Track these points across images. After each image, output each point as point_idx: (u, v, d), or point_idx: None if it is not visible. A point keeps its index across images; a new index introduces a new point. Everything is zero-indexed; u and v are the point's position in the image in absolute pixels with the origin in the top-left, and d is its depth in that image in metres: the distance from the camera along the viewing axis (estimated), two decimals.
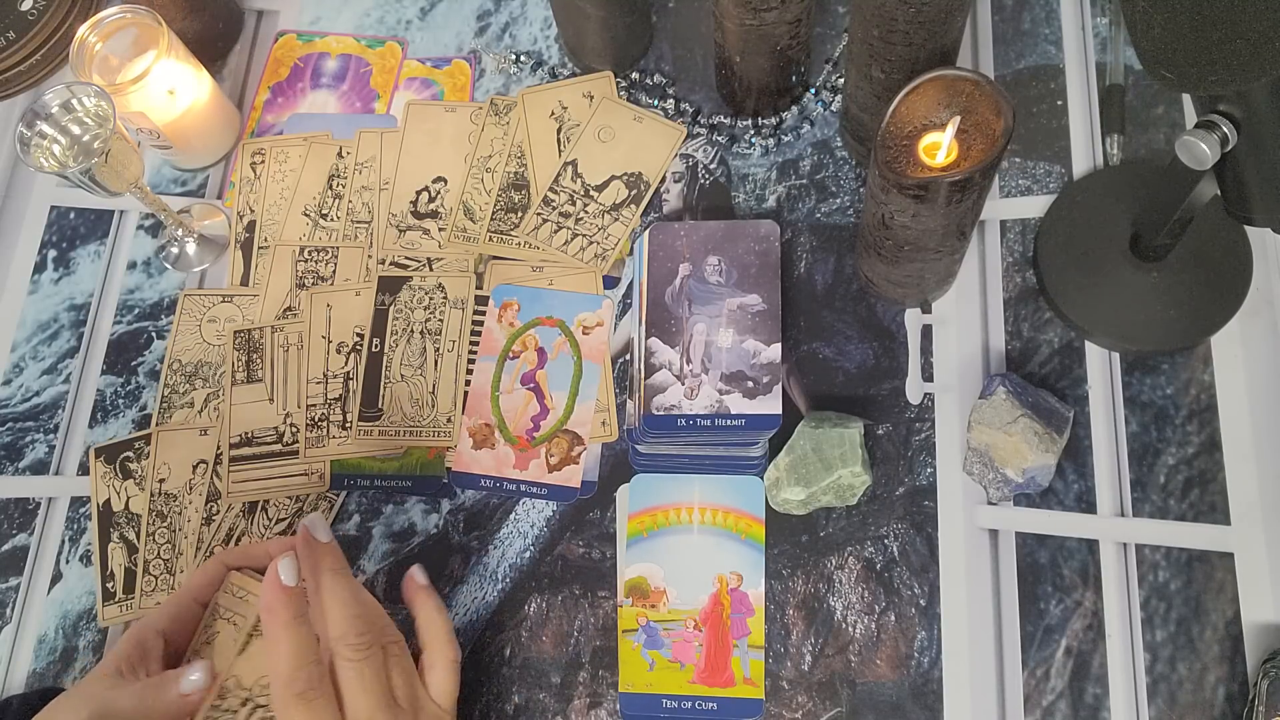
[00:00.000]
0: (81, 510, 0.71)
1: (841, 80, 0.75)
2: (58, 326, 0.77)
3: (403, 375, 0.71)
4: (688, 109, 0.77)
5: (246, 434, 0.71)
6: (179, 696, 0.54)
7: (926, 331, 0.69)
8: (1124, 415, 0.65)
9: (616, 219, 0.73)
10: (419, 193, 0.76)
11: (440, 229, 0.75)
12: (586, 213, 0.73)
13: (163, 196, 0.77)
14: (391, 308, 0.73)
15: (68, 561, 0.70)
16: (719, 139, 0.75)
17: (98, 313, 0.77)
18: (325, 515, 0.68)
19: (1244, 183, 0.53)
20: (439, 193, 0.76)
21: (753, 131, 0.75)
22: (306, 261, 0.75)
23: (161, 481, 0.70)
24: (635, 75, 0.78)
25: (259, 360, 0.73)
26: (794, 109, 0.75)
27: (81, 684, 0.54)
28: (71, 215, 0.80)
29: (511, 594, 0.66)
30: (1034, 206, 0.71)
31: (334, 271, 0.75)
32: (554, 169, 0.75)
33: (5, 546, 0.71)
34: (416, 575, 0.59)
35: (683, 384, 0.65)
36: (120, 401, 0.74)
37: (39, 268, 0.79)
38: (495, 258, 0.74)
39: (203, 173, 0.81)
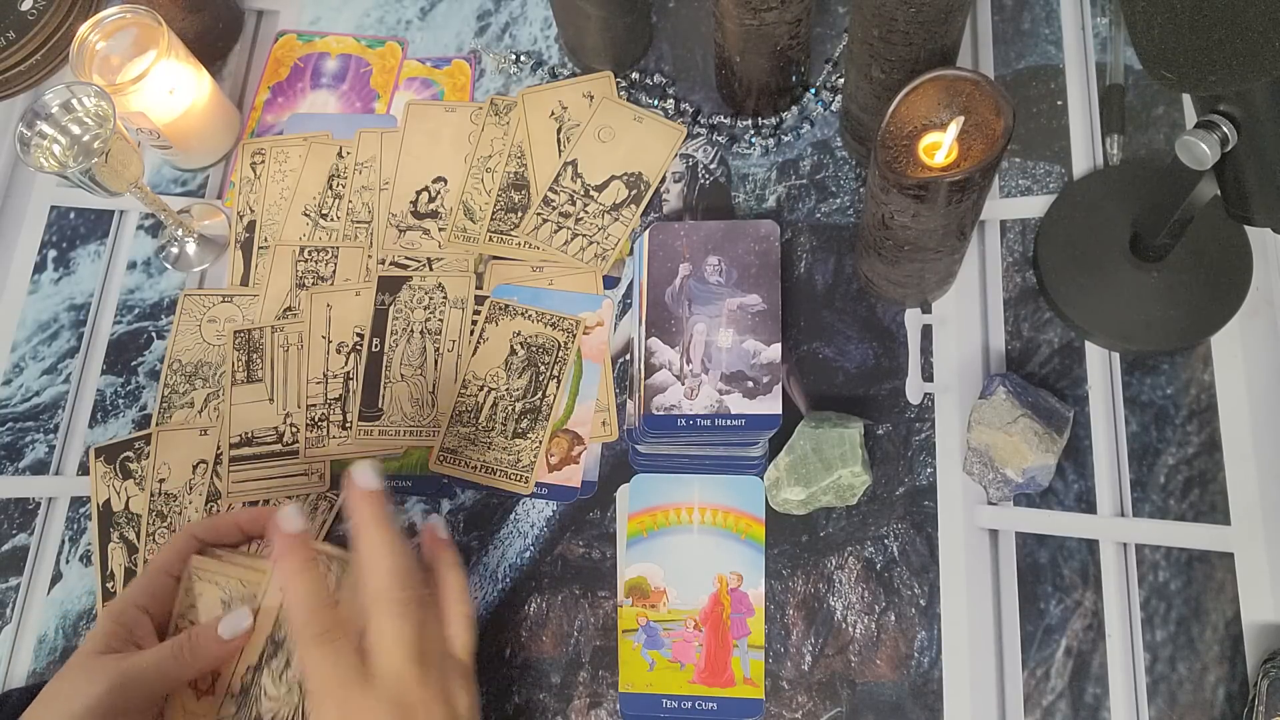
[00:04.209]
0: (81, 510, 0.71)
1: (841, 80, 0.75)
2: (58, 326, 0.77)
3: (403, 375, 0.71)
4: (688, 109, 0.77)
5: (246, 434, 0.71)
6: (217, 643, 0.53)
7: (926, 331, 0.69)
8: (1124, 415, 0.65)
9: (616, 219, 0.73)
10: (419, 193, 0.76)
11: (440, 229, 0.75)
12: (586, 213, 0.73)
13: (163, 196, 0.76)
14: (391, 308, 0.73)
15: (68, 561, 0.70)
16: (719, 139, 0.75)
17: (98, 313, 0.77)
18: (373, 468, 0.64)
19: (1244, 183, 0.53)
20: (439, 193, 0.76)
21: (753, 131, 0.75)
22: (306, 261, 0.75)
23: (161, 481, 0.70)
24: (635, 75, 0.78)
25: (259, 360, 0.73)
26: (794, 109, 0.75)
27: (80, 659, 0.53)
28: (71, 215, 0.80)
29: (511, 594, 0.66)
30: (1034, 206, 0.71)
31: (334, 271, 0.75)
32: (554, 169, 0.75)
33: (5, 546, 0.71)
34: (439, 528, 0.58)
35: (683, 384, 0.65)
36: (120, 401, 0.74)
37: (39, 268, 0.79)
38: (495, 258, 0.74)
39: (203, 173, 0.81)
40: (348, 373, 0.71)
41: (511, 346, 0.70)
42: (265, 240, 0.77)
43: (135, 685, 0.52)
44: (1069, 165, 0.71)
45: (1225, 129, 0.50)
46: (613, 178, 0.74)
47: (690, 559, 0.65)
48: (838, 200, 0.73)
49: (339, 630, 0.50)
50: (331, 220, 0.76)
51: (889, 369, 0.68)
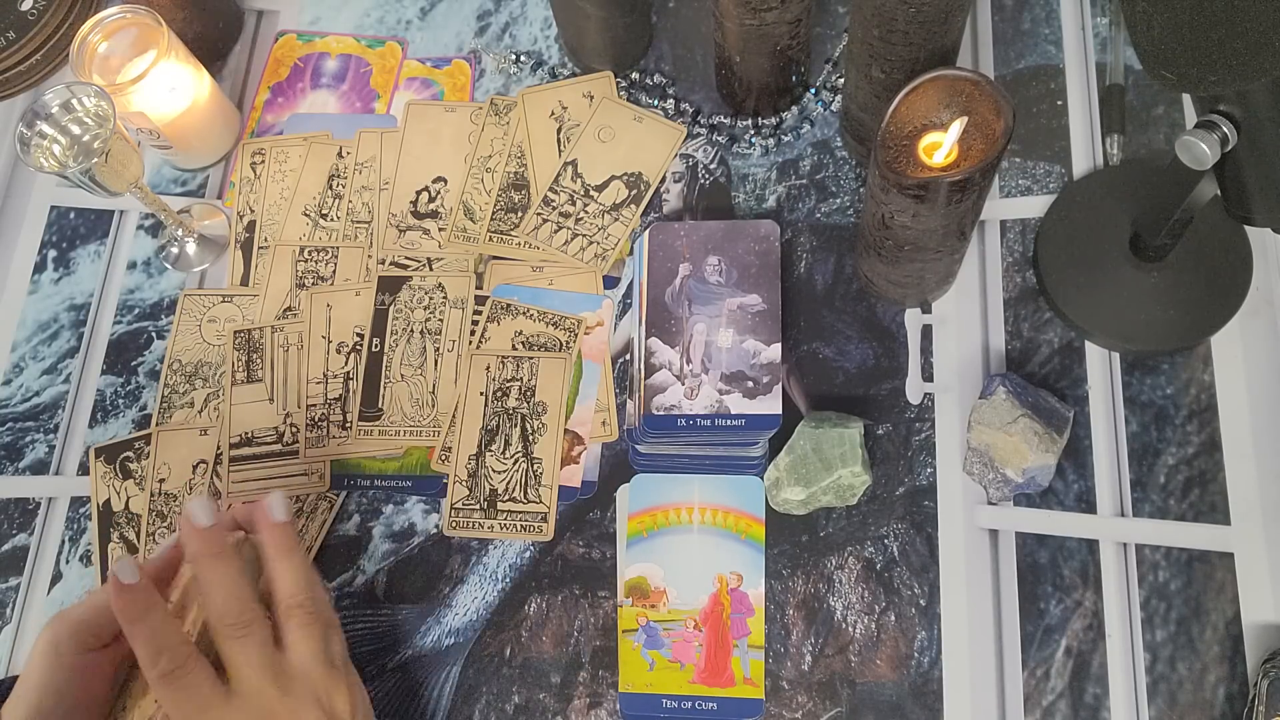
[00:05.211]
0: (81, 510, 0.71)
1: (841, 80, 0.75)
2: (58, 326, 0.77)
3: (403, 375, 0.71)
4: (688, 109, 0.77)
5: (246, 434, 0.71)
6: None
7: (926, 331, 0.69)
8: (1124, 415, 0.65)
9: (616, 219, 0.73)
10: (419, 193, 0.76)
11: (440, 229, 0.75)
12: (586, 213, 0.73)
13: (163, 196, 0.77)
14: (391, 308, 0.73)
15: (68, 561, 0.70)
16: (719, 139, 0.75)
17: (98, 313, 0.77)
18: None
19: (1244, 183, 0.53)
20: (439, 193, 0.76)
21: (753, 131, 0.75)
22: (306, 261, 0.75)
23: (161, 481, 0.70)
24: (635, 75, 0.78)
25: (259, 360, 0.73)
26: (794, 109, 0.75)
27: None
28: (71, 215, 0.80)
29: (511, 594, 0.66)
30: (1034, 206, 0.70)
31: (334, 271, 0.75)
32: (554, 169, 0.75)
33: (5, 546, 0.71)
34: (274, 508, 0.55)
35: (683, 384, 0.65)
36: (120, 401, 0.74)
37: (39, 268, 0.79)
38: (495, 258, 0.74)
39: (203, 173, 0.81)
40: (348, 373, 0.71)
41: (513, 345, 0.70)
42: (265, 240, 0.77)
43: (69, 631, 0.52)
44: (1069, 165, 0.71)
45: (1225, 129, 0.50)
46: (613, 178, 0.74)
47: (690, 559, 0.65)
48: (838, 200, 0.73)
49: (189, 666, 0.50)
50: (331, 220, 0.76)
51: (889, 369, 0.68)
